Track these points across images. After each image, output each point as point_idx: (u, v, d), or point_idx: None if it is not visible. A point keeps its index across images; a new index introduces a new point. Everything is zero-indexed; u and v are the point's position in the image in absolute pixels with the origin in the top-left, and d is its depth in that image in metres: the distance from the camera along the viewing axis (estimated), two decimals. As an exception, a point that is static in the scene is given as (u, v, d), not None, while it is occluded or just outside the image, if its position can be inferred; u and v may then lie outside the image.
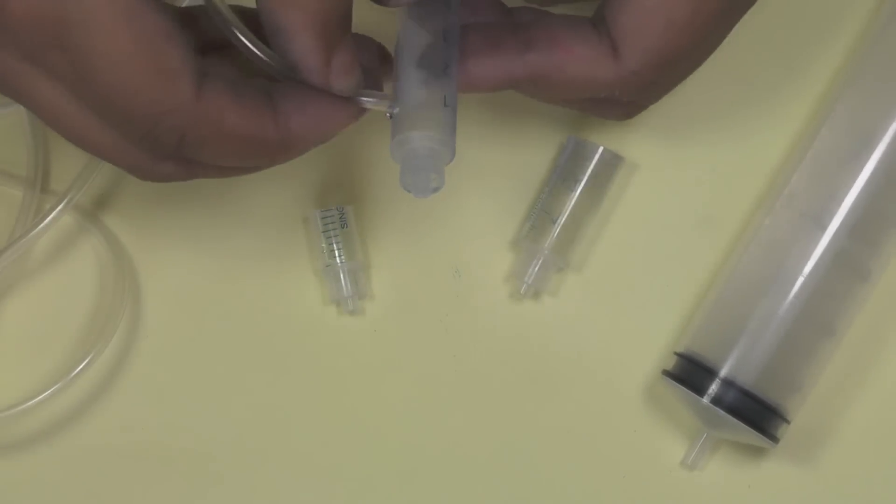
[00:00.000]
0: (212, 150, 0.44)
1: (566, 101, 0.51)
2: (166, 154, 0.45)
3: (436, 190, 0.46)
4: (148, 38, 0.41)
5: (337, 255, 0.57)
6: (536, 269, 0.57)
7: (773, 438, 0.54)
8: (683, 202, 0.58)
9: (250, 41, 0.44)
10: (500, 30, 0.49)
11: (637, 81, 0.47)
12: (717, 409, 0.54)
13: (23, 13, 0.40)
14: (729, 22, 0.48)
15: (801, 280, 0.54)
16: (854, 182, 0.54)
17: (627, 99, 0.50)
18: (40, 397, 0.56)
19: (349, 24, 0.45)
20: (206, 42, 0.46)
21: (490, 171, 0.59)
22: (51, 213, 0.56)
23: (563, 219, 0.57)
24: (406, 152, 0.46)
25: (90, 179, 0.56)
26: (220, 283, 0.58)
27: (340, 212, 0.58)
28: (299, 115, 0.45)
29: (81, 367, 0.56)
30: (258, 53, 0.44)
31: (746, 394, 0.54)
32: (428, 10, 0.48)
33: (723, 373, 0.54)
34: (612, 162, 0.57)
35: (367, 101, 0.47)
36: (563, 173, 0.57)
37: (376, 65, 0.48)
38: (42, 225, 0.56)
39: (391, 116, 0.47)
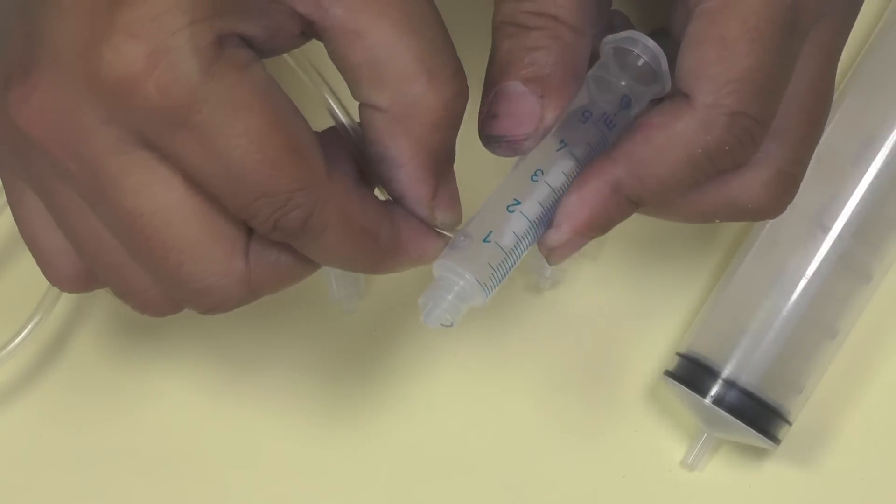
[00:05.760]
0: (329, 239, 0.41)
1: (699, 203, 0.46)
2: (282, 237, 0.41)
3: (443, 326, 0.43)
4: (285, 114, 0.39)
5: (337, 254, 0.57)
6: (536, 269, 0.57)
7: (775, 440, 0.54)
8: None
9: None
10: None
11: (723, 116, 0.43)
12: (718, 409, 0.54)
13: (156, 94, 0.37)
14: (798, 30, 0.44)
15: (803, 282, 0.54)
16: (857, 184, 0.54)
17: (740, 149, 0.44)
18: None
19: (454, 156, 0.43)
20: None
21: (492, 167, 0.58)
22: None
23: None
24: (438, 276, 0.43)
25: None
26: (221, 283, 0.58)
27: (341, 211, 0.57)
28: (408, 226, 0.43)
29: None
30: None
31: (748, 394, 0.54)
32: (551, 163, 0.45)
33: (725, 373, 0.54)
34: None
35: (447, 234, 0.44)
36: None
37: None
38: None
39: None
